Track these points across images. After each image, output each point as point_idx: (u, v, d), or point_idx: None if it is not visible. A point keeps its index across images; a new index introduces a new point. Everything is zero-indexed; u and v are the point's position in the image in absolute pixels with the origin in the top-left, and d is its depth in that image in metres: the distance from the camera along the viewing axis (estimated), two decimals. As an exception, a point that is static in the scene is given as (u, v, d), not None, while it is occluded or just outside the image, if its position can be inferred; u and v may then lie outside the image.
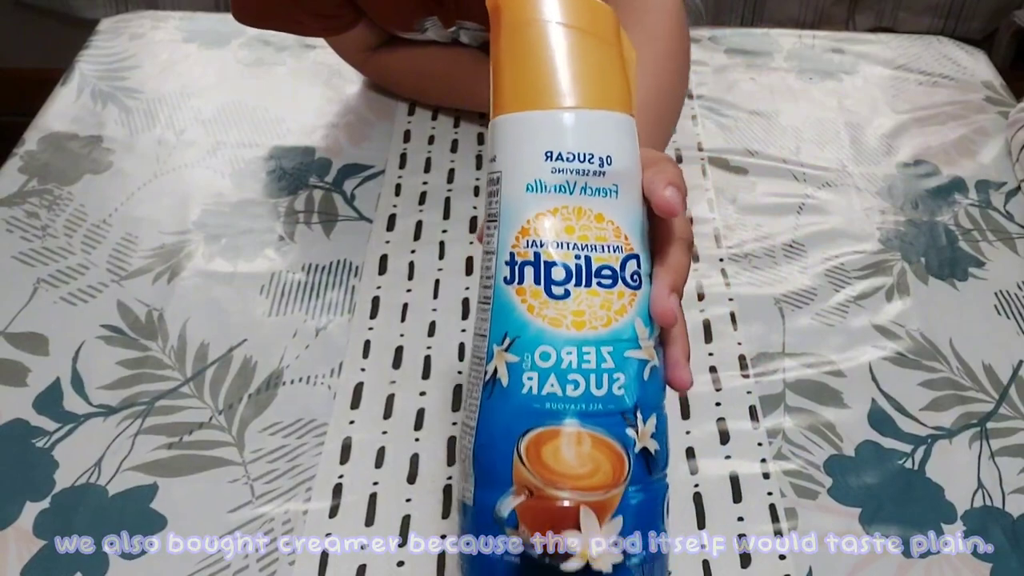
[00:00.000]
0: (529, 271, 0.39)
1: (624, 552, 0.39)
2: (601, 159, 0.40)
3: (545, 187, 0.40)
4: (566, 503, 0.37)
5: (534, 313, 0.39)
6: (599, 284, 0.39)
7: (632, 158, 0.42)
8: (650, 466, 0.40)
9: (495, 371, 0.40)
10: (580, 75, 0.40)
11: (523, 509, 0.38)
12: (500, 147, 0.41)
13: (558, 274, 0.39)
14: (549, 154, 0.40)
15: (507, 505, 0.38)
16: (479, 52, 1.01)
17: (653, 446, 0.40)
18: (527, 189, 0.40)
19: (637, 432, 0.39)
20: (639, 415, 0.39)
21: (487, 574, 0.39)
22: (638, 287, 0.40)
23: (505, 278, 0.40)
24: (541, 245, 0.40)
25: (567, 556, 0.37)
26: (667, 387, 0.43)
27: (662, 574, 0.41)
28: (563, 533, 0.37)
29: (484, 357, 0.41)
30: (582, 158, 0.40)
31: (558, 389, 0.38)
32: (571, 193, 0.40)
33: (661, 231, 0.44)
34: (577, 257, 0.39)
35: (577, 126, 0.40)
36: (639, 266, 0.41)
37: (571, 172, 0.39)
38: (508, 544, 0.38)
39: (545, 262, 0.39)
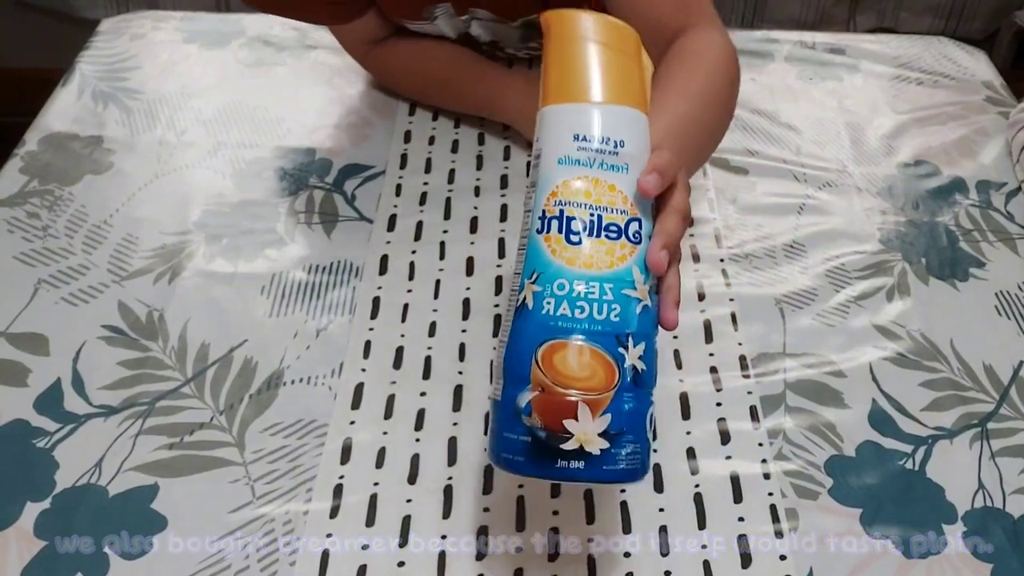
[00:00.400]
0: (555, 223, 0.52)
1: (610, 441, 0.50)
2: (615, 142, 0.52)
3: (572, 160, 0.52)
4: (569, 399, 0.49)
5: (555, 255, 0.51)
6: (606, 236, 0.51)
7: (641, 144, 0.54)
8: (637, 380, 0.51)
9: (524, 298, 0.52)
10: (604, 79, 0.53)
11: (536, 402, 0.50)
12: (542, 130, 0.54)
13: (576, 226, 0.51)
14: (576, 136, 0.52)
15: (524, 398, 0.50)
16: (479, 56, 1.01)
17: (640, 365, 0.52)
18: (558, 162, 0.52)
19: (627, 352, 0.51)
20: (630, 340, 0.51)
21: (509, 452, 0.51)
22: (638, 243, 0.52)
23: (537, 229, 0.52)
24: (565, 203, 0.52)
25: (566, 438, 0.50)
26: (658, 328, 0.54)
27: (644, 471, 0.53)
28: (565, 421, 0.49)
29: (518, 289, 0.53)
30: (601, 140, 0.52)
31: (568, 311, 0.51)
32: (591, 167, 0.52)
33: (660, 202, 0.55)
34: (591, 214, 0.52)
35: (598, 116, 0.52)
36: (640, 227, 0.52)
37: (592, 151, 0.52)
38: (524, 428, 0.50)
39: (567, 216, 0.52)
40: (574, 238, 0.51)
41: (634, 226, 0.52)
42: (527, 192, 0.55)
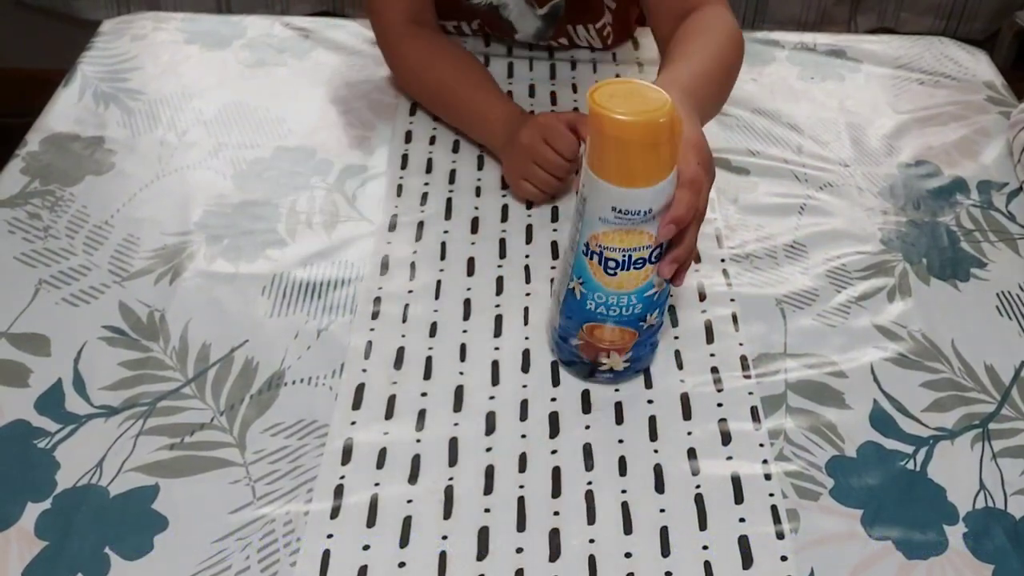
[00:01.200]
0: (596, 257, 0.69)
1: (629, 362, 0.76)
2: (644, 212, 0.67)
3: (609, 222, 0.68)
4: (602, 347, 0.75)
5: (596, 276, 0.70)
6: (634, 268, 0.69)
7: (664, 199, 0.67)
8: (653, 330, 0.75)
9: (574, 288, 0.72)
10: (636, 168, 0.65)
11: (582, 347, 0.75)
12: (590, 191, 0.67)
13: (610, 264, 0.69)
14: (615, 208, 0.67)
15: (575, 342, 0.75)
16: (486, 78, 1.01)
17: (656, 321, 0.74)
18: (599, 219, 0.68)
19: (645, 321, 0.73)
20: (647, 316, 0.73)
21: (568, 365, 0.79)
22: (655, 261, 0.70)
23: (583, 251, 0.70)
24: (603, 247, 0.69)
25: (603, 364, 0.76)
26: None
27: (652, 359, 0.80)
28: (600, 356, 0.76)
29: (570, 276, 0.72)
30: (633, 212, 0.66)
31: (604, 310, 0.72)
32: (624, 225, 0.67)
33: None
34: (623, 255, 0.69)
35: (633, 196, 0.66)
36: (660, 248, 0.69)
37: (626, 218, 0.67)
38: (576, 355, 0.76)
39: (605, 257, 0.69)
40: (610, 272, 0.70)
41: (656, 252, 0.69)
42: (578, 206, 0.70)
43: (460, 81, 1.01)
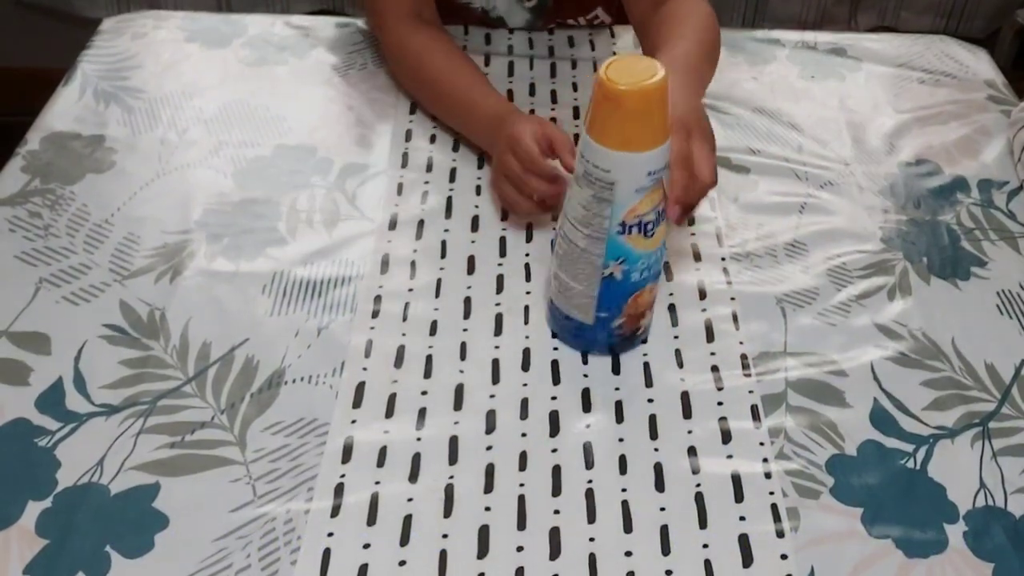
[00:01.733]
0: (635, 228, 0.72)
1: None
2: (659, 169, 0.70)
3: (644, 188, 0.70)
4: (644, 311, 0.79)
5: (637, 246, 0.73)
6: (663, 220, 0.73)
7: (667, 158, 0.71)
8: (661, 268, 0.78)
9: (611, 273, 0.74)
10: (658, 127, 0.68)
11: (625, 320, 0.77)
12: (622, 173, 0.69)
13: (648, 227, 0.72)
14: (649, 172, 0.69)
15: (618, 320, 0.77)
16: (479, 78, 0.99)
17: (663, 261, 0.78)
18: (635, 191, 0.70)
19: (660, 271, 0.77)
20: (662, 265, 0.78)
21: (600, 344, 0.80)
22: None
23: (617, 231, 0.72)
24: (642, 214, 0.71)
25: (640, 329, 0.80)
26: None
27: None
28: (640, 323, 0.79)
29: (598, 266, 0.74)
30: (661, 168, 0.70)
31: (646, 273, 0.75)
32: (655, 184, 0.70)
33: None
34: (655, 212, 0.72)
35: (658, 155, 0.69)
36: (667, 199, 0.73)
37: (655, 175, 0.70)
38: (615, 332, 0.79)
39: (644, 223, 0.72)
40: (648, 234, 0.73)
41: (665, 203, 0.73)
42: (589, 204, 0.71)
43: (455, 77, 1.00)
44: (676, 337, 0.82)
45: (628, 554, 0.67)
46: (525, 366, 0.79)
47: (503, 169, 0.88)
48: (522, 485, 0.71)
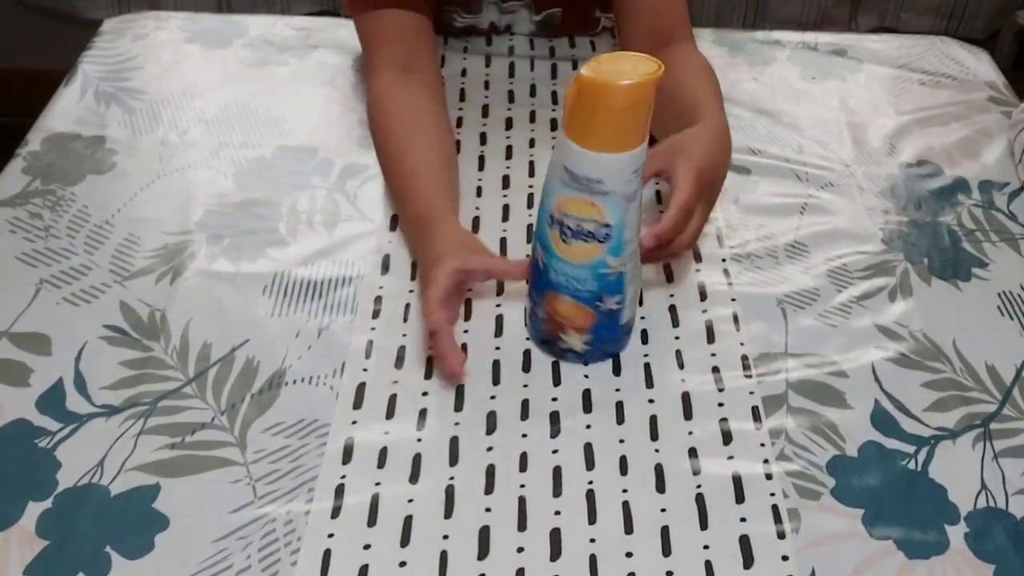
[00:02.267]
0: (557, 226, 0.72)
1: (589, 344, 0.77)
2: (594, 181, 0.68)
3: (566, 184, 0.70)
4: (562, 323, 0.76)
5: (556, 246, 0.73)
6: (584, 239, 0.71)
7: (620, 179, 0.68)
8: (612, 316, 0.76)
9: (538, 259, 0.75)
10: (598, 132, 0.67)
11: (545, 320, 0.77)
12: (557, 152, 0.70)
13: (566, 232, 0.71)
14: (566, 168, 0.69)
15: (541, 314, 0.77)
16: (443, 187, 0.89)
17: (615, 307, 0.75)
18: (561, 182, 0.70)
19: (603, 303, 0.74)
20: (604, 296, 0.74)
21: (537, 340, 0.80)
22: (607, 241, 0.71)
23: (547, 223, 0.73)
24: (562, 215, 0.71)
25: (561, 341, 0.78)
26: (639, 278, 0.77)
27: (614, 353, 0.80)
28: (560, 334, 0.77)
29: (536, 247, 0.75)
30: (583, 177, 0.68)
31: (564, 281, 0.74)
32: (577, 191, 0.69)
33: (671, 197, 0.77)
34: (576, 222, 0.71)
35: (586, 159, 0.68)
36: (610, 231, 0.71)
37: (577, 183, 0.69)
38: (543, 330, 0.78)
39: (564, 225, 0.71)
40: (564, 239, 0.72)
41: (604, 231, 0.70)
42: (548, 166, 0.72)
43: (404, 156, 0.91)
44: (677, 338, 0.82)
45: (629, 555, 0.67)
46: (526, 367, 0.79)
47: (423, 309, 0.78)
48: (523, 486, 0.71)
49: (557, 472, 0.71)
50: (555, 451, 0.73)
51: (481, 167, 0.99)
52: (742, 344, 0.82)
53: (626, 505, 0.70)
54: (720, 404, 0.77)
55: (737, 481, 0.71)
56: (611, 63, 0.66)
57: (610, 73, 0.64)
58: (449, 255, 0.77)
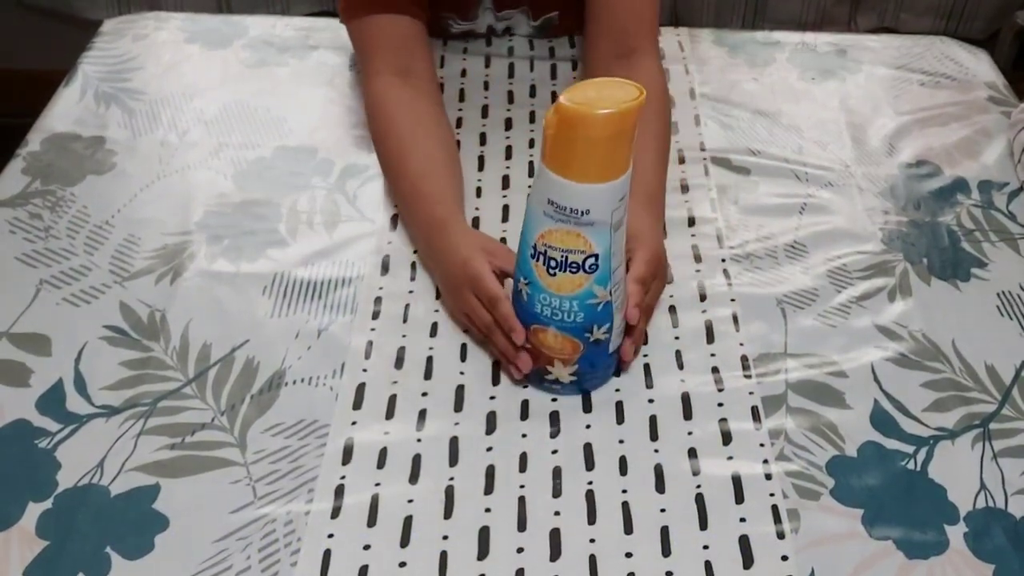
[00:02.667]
0: (540, 257, 0.71)
1: (577, 376, 0.75)
2: (579, 212, 0.67)
3: (549, 216, 0.69)
4: (548, 355, 0.75)
5: (540, 278, 0.71)
6: (570, 271, 0.70)
7: (605, 209, 0.67)
8: (599, 343, 0.74)
9: (521, 290, 0.73)
10: (580, 162, 0.66)
11: (529, 350, 0.75)
12: (538, 183, 0.69)
13: (551, 264, 0.70)
14: (552, 202, 0.68)
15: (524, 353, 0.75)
16: (449, 186, 0.90)
17: (603, 337, 0.74)
18: (544, 214, 0.69)
19: (592, 333, 0.73)
20: (593, 327, 0.73)
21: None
22: (594, 271, 0.70)
23: (531, 254, 0.71)
24: (546, 246, 0.70)
25: (548, 373, 0.76)
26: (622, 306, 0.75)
27: (601, 384, 0.78)
28: (547, 366, 0.75)
29: (519, 279, 0.73)
30: (568, 209, 0.67)
31: (549, 312, 0.72)
32: (561, 223, 0.68)
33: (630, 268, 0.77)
34: (562, 254, 0.70)
35: (570, 191, 0.67)
36: (596, 260, 0.70)
37: (562, 214, 0.68)
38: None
39: (548, 256, 0.70)
40: (551, 272, 0.71)
41: (590, 260, 0.69)
42: (529, 197, 0.71)
43: (409, 159, 0.91)
44: (676, 338, 0.82)
45: (628, 555, 0.67)
46: (525, 367, 0.79)
47: (466, 309, 0.79)
48: (522, 486, 0.71)
49: (557, 472, 0.72)
50: (555, 451, 0.73)
51: (481, 167, 0.99)
52: (742, 344, 0.82)
53: (626, 505, 0.70)
54: (720, 404, 0.77)
55: (737, 481, 0.71)
56: (591, 90, 0.64)
57: (590, 101, 0.63)
58: (476, 258, 0.78)
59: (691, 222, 0.94)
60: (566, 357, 0.74)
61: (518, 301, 0.74)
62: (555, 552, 0.67)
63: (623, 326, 0.75)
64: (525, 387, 0.78)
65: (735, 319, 0.84)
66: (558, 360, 0.74)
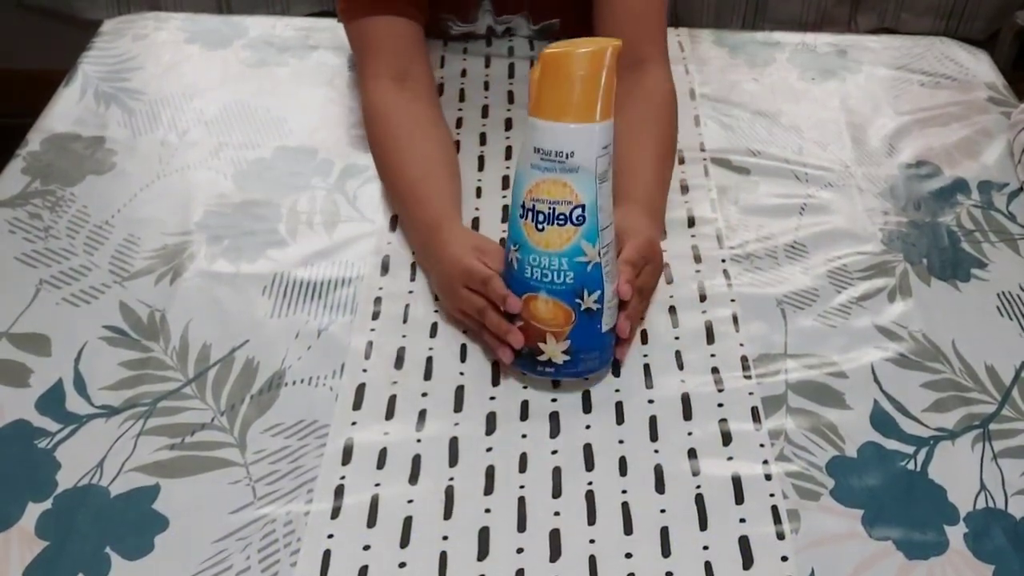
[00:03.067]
0: (529, 216, 0.72)
1: (571, 355, 0.74)
2: (564, 154, 0.69)
3: (537, 167, 0.70)
4: (540, 329, 0.74)
5: (529, 236, 0.72)
6: (558, 223, 0.71)
7: (589, 155, 0.69)
8: (591, 315, 0.73)
9: (511, 260, 0.74)
10: (562, 101, 0.69)
11: (521, 328, 0.74)
12: (523, 146, 0.71)
13: (539, 219, 0.71)
14: (536, 148, 0.70)
15: (518, 321, 0.74)
16: (447, 191, 0.90)
17: (595, 306, 0.73)
18: (530, 168, 0.71)
19: (583, 300, 0.72)
20: (585, 292, 0.72)
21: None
22: (582, 223, 0.71)
23: (519, 214, 0.72)
24: (534, 201, 0.71)
25: (542, 353, 0.74)
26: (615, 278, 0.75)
27: (598, 369, 0.77)
28: (539, 343, 0.74)
29: (509, 248, 0.74)
30: (553, 153, 0.70)
31: (538, 275, 0.72)
32: (549, 172, 0.70)
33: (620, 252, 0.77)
34: (549, 206, 0.71)
35: (553, 133, 0.69)
36: (583, 211, 0.71)
37: (548, 161, 0.70)
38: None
39: (536, 211, 0.71)
40: (539, 227, 0.71)
41: (577, 211, 0.70)
42: (517, 163, 0.73)
43: (407, 164, 0.91)
44: (676, 339, 0.82)
45: (628, 556, 0.67)
46: (525, 368, 0.79)
47: (460, 304, 0.79)
48: (522, 487, 0.71)
49: (556, 473, 0.72)
50: (555, 452, 0.73)
51: (481, 167, 0.99)
52: (742, 345, 0.82)
53: (625, 506, 0.70)
54: (720, 405, 0.77)
55: (737, 482, 0.71)
56: (571, 45, 0.70)
57: (570, 46, 0.69)
58: (467, 255, 0.79)
59: (691, 222, 0.94)
60: (558, 329, 0.73)
61: (509, 274, 0.74)
62: (555, 552, 0.67)
63: (616, 309, 0.75)
64: (525, 387, 0.78)
65: (735, 319, 0.84)
66: (550, 335, 0.73)
